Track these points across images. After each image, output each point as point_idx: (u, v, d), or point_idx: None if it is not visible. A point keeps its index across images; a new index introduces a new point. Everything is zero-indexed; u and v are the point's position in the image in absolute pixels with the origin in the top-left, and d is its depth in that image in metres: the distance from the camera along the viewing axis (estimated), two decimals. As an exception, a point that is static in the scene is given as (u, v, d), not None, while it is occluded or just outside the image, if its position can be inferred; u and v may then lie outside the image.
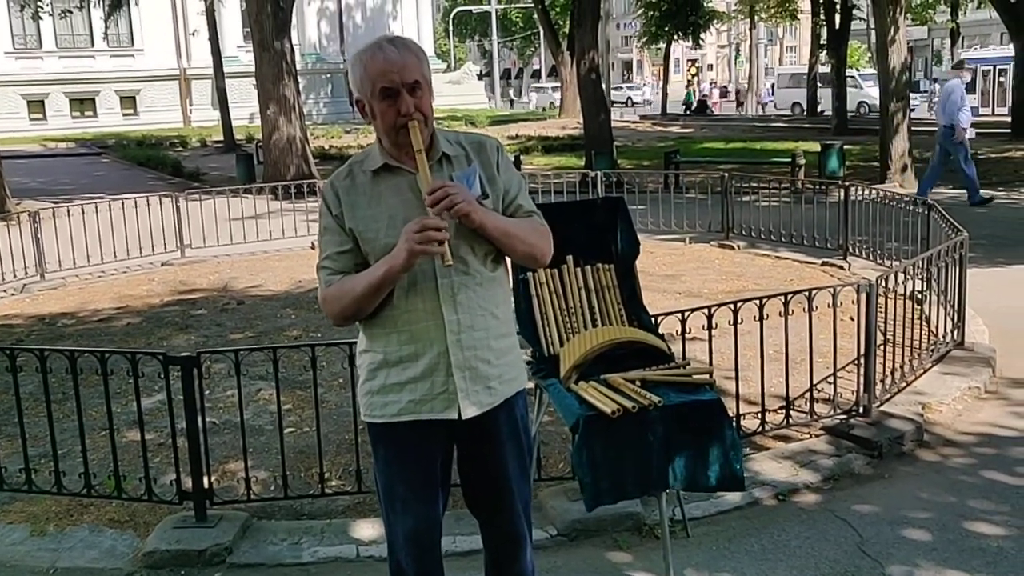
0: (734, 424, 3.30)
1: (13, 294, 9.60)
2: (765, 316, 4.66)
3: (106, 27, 33.63)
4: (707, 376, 3.49)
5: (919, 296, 6.88)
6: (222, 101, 28.92)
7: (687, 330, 4.49)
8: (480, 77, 62.00)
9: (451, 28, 71.12)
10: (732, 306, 4.57)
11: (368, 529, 4.14)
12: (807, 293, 4.80)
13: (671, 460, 3.24)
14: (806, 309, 4.83)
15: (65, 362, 4.23)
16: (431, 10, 55.70)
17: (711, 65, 74.73)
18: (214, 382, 5.66)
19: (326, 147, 28.22)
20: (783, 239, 10.20)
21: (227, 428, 5.33)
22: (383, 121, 2.54)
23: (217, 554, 3.96)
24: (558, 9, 43.36)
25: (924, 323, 6.48)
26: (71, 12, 30.89)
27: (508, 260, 2.78)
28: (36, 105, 42.53)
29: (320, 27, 46.45)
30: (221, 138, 30.03)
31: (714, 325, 4.53)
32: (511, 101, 62.56)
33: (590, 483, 3.17)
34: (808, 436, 4.97)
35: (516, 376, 2.76)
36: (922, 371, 5.80)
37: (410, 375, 2.61)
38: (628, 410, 3.18)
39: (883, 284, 5.31)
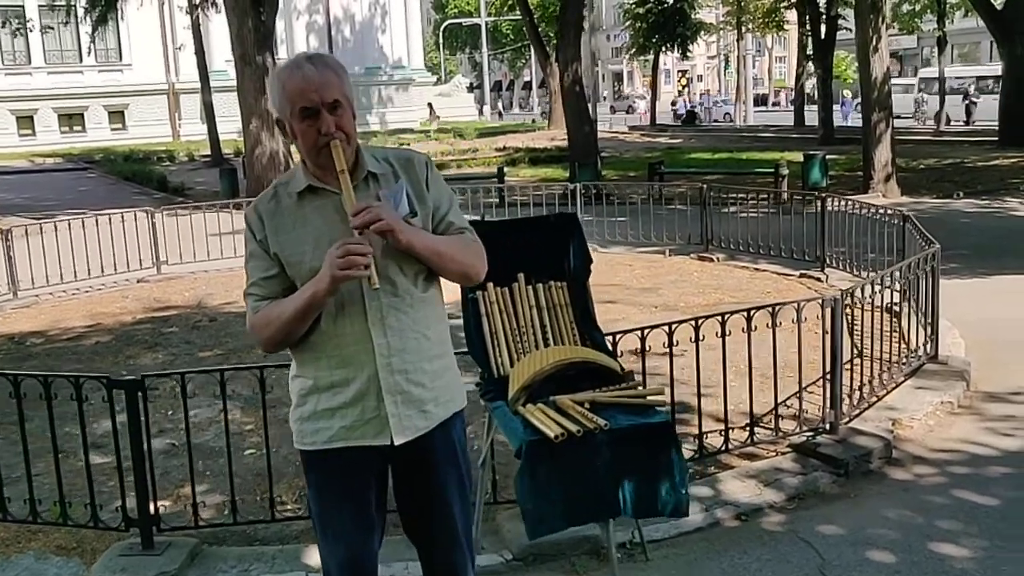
0: (682, 447, 3.21)
1: (-14, 313, 9.49)
2: (728, 332, 4.57)
3: (92, 42, 33.50)
4: (659, 397, 3.39)
5: (895, 308, 6.80)
6: (209, 115, 28.83)
7: (647, 348, 4.40)
8: (470, 89, 62.06)
9: (442, 41, 71.21)
10: (693, 322, 4.49)
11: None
12: (771, 308, 4.72)
13: (619, 485, 3.14)
14: (769, 325, 4.74)
15: (9, 387, 4.13)
16: (420, 23, 55.76)
17: (701, 76, 74.86)
18: (177, 403, 5.56)
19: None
20: (762, 251, 10.14)
21: (185, 450, 5.22)
22: (304, 142, 2.47)
23: (159, 585, 3.85)
24: (546, 21, 43.38)
25: (900, 336, 6.40)
26: (52, 28, 30.77)
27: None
28: (25, 121, 42.42)
29: (309, 41, 46.43)
30: (209, 152, 29.94)
31: (675, 342, 4.44)
32: (500, 113, 62.58)
33: (532, 510, 3.08)
34: (775, 454, 4.88)
35: (452, 398, 2.68)
36: (894, 385, 5.71)
37: (340, 401, 2.53)
38: (572, 434, 3.09)
39: (854, 296, 5.23)
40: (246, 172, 18.40)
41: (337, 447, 2.55)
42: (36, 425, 4.31)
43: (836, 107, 35.61)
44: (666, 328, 4.41)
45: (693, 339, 4.52)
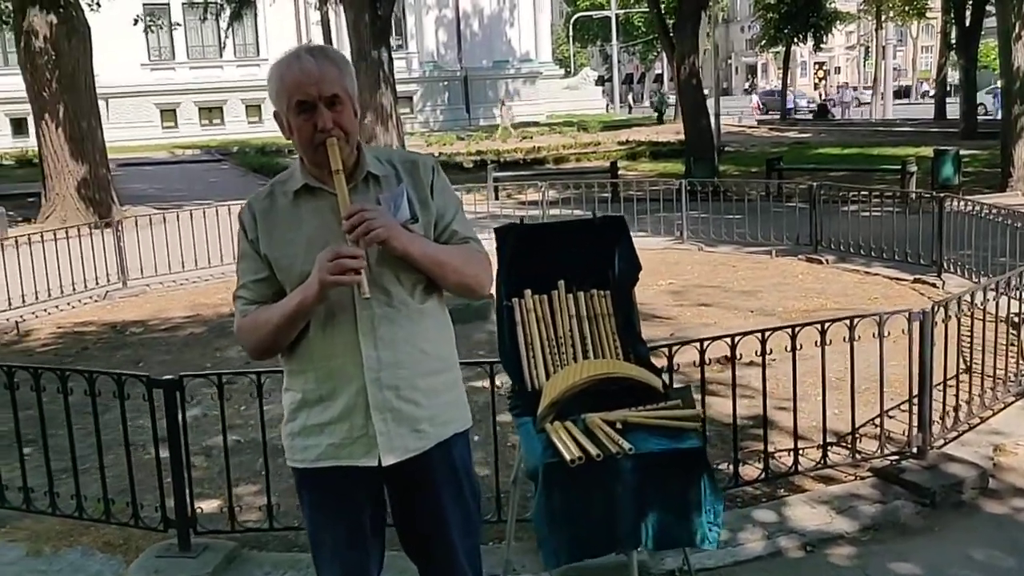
0: (715, 475, 2.93)
1: (96, 300, 9.80)
2: (798, 347, 4.22)
3: (225, 37, 34.72)
4: (692, 423, 3.11)
5: (1015, 319, 6.23)
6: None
7: (708, 360, 4.11)
8: (599, 83, 61.53)
9: (571, 33, 70.86)
10: (760, 335, 4.16)
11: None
12: (848, 321, 4.33)
13: (643, 515, 2.89)
14: (846, 339, 4.35)
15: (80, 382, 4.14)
16: (550, 16, 55.57)
17: (839, 68, 72.23)
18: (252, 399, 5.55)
19: (435, 154, 28.39)
20: (875, 253, 9.54)
21: (248, 448, 5.19)
22: (299, 138, 2.32)
23: (197, 588, 3.80)
24: (671, 13, 42.66)
25: (1019, 352, 5.85)
26: (179, 25, 31.96)
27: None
28: (168, 114, 44.28)
29: (438, 36, 46.93)
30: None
31: (738, 355, 4.12)
32: (629, 106, 61.83)
33: (547, 538, 2.85)
34: (854, 478, 4.49)
35: (454, 418, 2.50)
36: (1001, 406, 5.21)
37: (329, 416, 2.38)
38: (592, 458, 2.85)
39: (961, 304, 4.78)
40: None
41: (326, 466, 2.40)
42: (108, 419, 4.30)
43: (989, 99, 33.68)
44: (728, 340, 4.11)
45: (758, 352, 4.20)
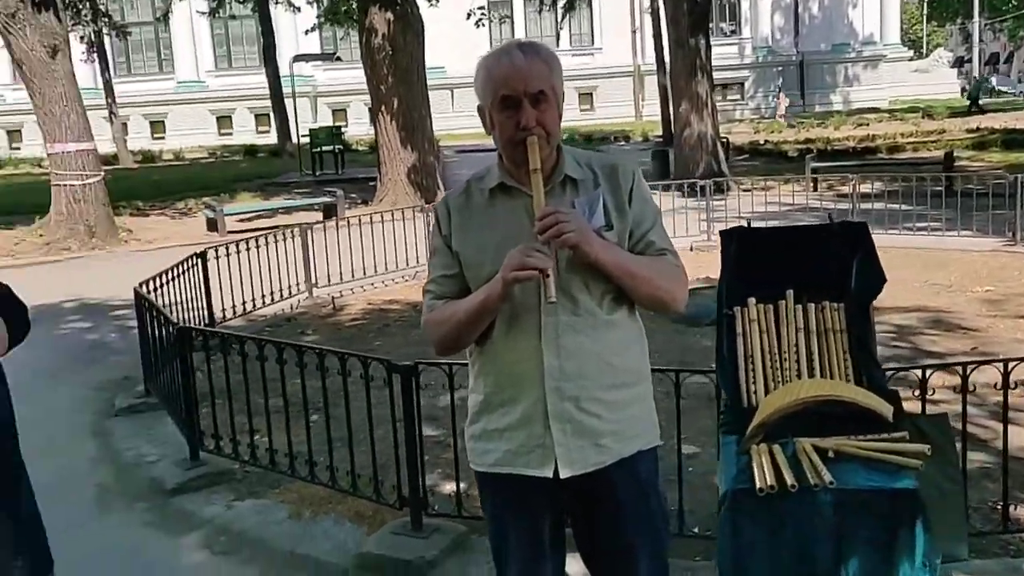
0: (930, 524, 2.55)
1: (406, 280, 10.45)
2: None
3: (559, 27, 35.76)
4: (917, 457, 2.74)
5: None
6: (663, 96, 29.39)
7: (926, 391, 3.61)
8: (959, 64, 56.56)
9: (926, 11, 65.65)
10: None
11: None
12: None
13: (842, 558, 2.59)
14: None
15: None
16: (900, -6, 51.78)
17: None
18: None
19: (761, 142, 27.51)
20: None
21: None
22: (501, 133, 2.30)
23: (420, 567, 3.93)
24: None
25: None
26: (508, 18, 33.18)
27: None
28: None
29: (773, 20, 45.31)
30: (661, 133, 30.56)
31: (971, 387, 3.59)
32: (992, 90, 56.24)
33: (729, 571, 2.64)
34: None
35: (639, 433, 2.41)
36: None
37: (508, 422, 2.36)
38: (787, 488, 2.60)
39: None
40: (675, 154, 18.49)
41: (503, 472, 2.39)
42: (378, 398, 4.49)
43: None
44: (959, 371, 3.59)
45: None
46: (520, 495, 2.40)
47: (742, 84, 44.93)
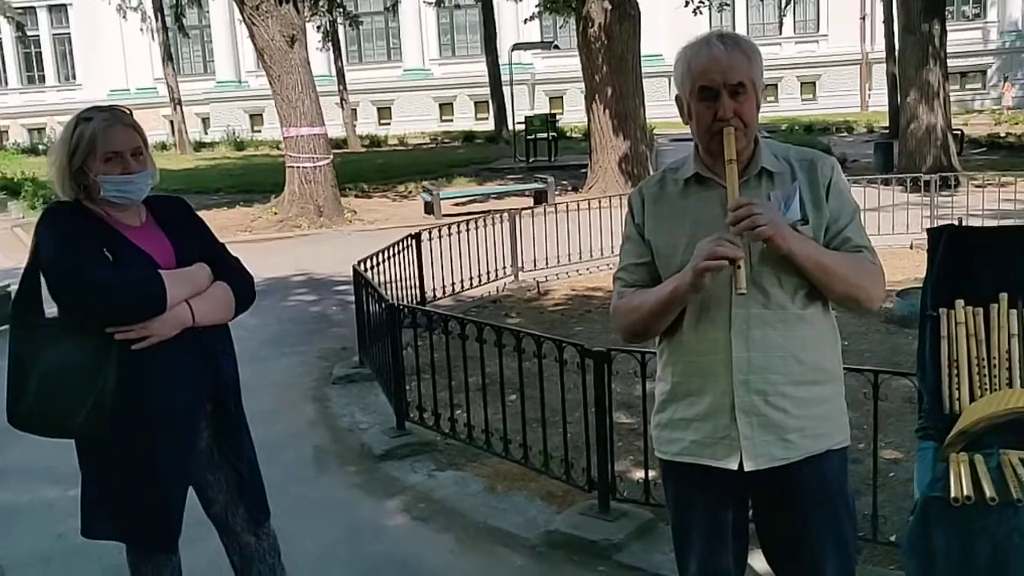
0: None
1: (610, 268, 10.51)
2: None
3: (783, 15, 34.62)
4: None
5: None
6: (891, 86, 27.93)
7: None
8: None
9: None
10: None
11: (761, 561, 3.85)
12: None
13: (1043, 579, 2.46)
14: None
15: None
16: None
17: None
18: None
19: (1001, 134, 25.64)
20: None
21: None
22: (698, 124, 2.33)
23: (606, 548, 4.02)
24: None
25: None
26: (728, 5, 32.34)
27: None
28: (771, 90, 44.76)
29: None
30: (887, 124, 29.07)
31: None
32: None
33: (915, 578, 2.56)
34: None
35: (828, 432, 2.39)
36: None
37: (694, 412, 2.39)
38: (984, 500, 2.50)
39: None
40: (900, 147, 17.56)
41: (688, 461, 2.43)
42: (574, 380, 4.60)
43: None
44: None
45: None
46: (703, 485, 2.43)
47: (984, 72, 41.90)
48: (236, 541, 3.12)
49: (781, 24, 41.66)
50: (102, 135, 2.81)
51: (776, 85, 44.99)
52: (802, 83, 44.62)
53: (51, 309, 2.82)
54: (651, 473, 4.24)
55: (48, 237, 2.80)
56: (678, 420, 2.42)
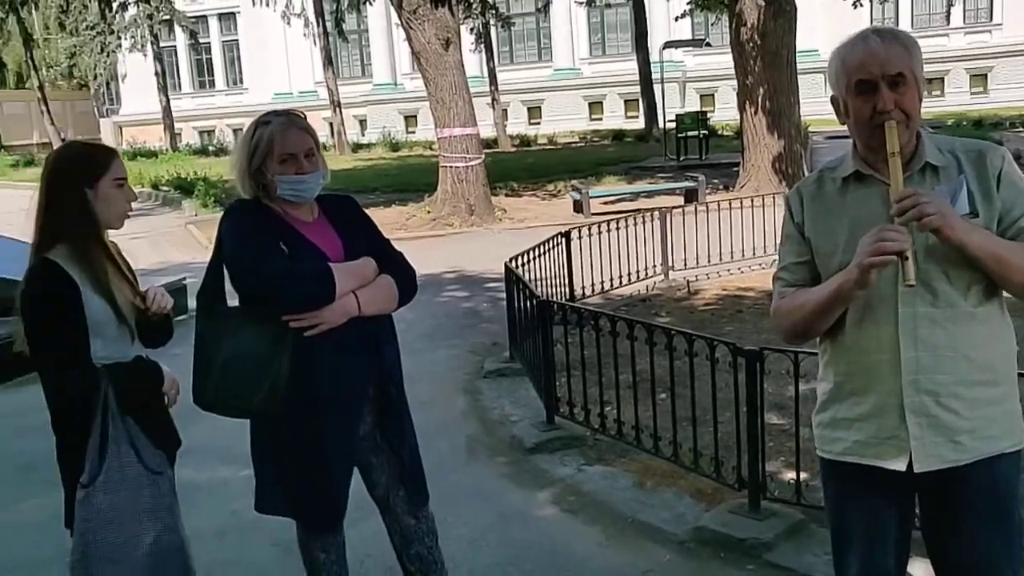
0: None
1: (763, 268, 10.31)
2: None
3: (951, 4, 33.01)
4: None
5: None
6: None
7: None
8: None
9: None
10: None
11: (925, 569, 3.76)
12: None
13: None
14: None
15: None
16: None
17: None
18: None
19: None
20: None
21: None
22: (856, 119, 2.29)
23: (755, 548, 4.02)
24: None
25: None
26: None
27: None
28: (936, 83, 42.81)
29: None
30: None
31: None
32: None
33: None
34: None
35: (1000, 434, 2.32)
36: None
37: (858, 412, 2.36)
38: None
39: None
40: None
41: (851, 461, 2.41)
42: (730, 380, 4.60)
43: None
44: None
45: None
46: (867, 486, 2.39)
47: None
48: (397, 522, 3.29)
49: (949, 14, 39.74)
50: (279, 137, 3.02)
51: (942, 79, 42.89)
52: (971, 76, 42.41)
53: (233, 300, 3.05)
54: (804, 474, 4.21)
55: (230, 233, 3.03)
56: (840, 419, 2.39)
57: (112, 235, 2.99)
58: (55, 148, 3.25)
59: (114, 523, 2.80)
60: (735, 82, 17.32)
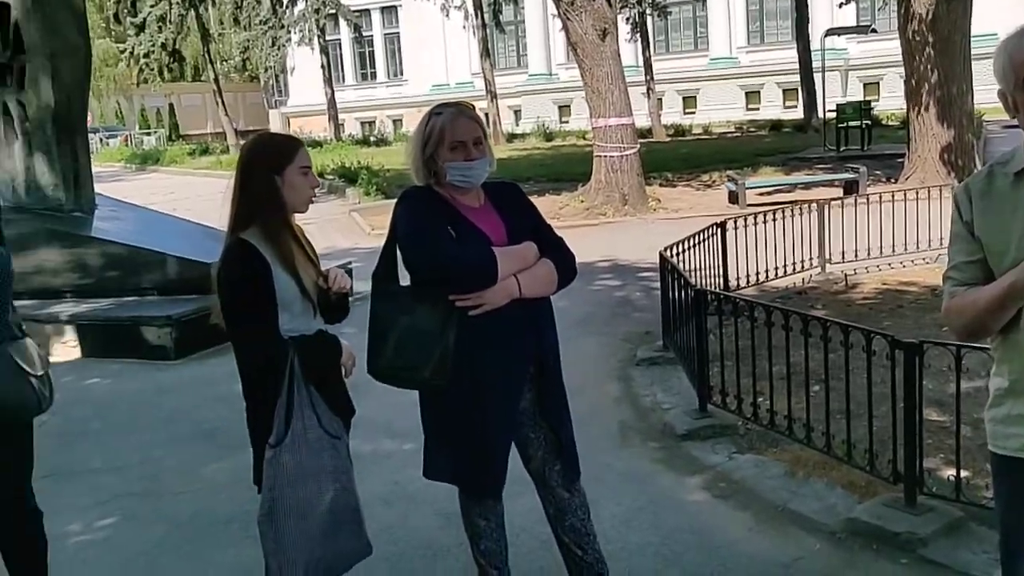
0: None
1: (926, 263, 9.99)
2: None
3: None
4: None
5: None
6: None
7: None
8: None
9: None
10: None
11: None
12: None
13: None
14: None
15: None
16: None
17: None
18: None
19: None
20: None
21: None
22: (1022, 113, 2.28)
23: (910, 542, 3.98)
24: None
25: None
26: None
27: None
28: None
29: None
30: None
31: None
32: None
33: None
34: None
35: None
36: None
37: None
38: None
39: None
40: None
41: None
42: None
43: None
44: None
45: None
46: None
47: None
48: (551, 494, 3.45)
49: None
50: (449, 126, 3.22)
51: None
52: None
53: (404, 280, 3.28)
54: (965, 472, 4.14)
55: (404, 219, 3.25)
56: (1016, 416, 2.36)
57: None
58: (247, 139, 3.54)
59: (299, 481, 3.06)
60: (902, 70, 16.69)
